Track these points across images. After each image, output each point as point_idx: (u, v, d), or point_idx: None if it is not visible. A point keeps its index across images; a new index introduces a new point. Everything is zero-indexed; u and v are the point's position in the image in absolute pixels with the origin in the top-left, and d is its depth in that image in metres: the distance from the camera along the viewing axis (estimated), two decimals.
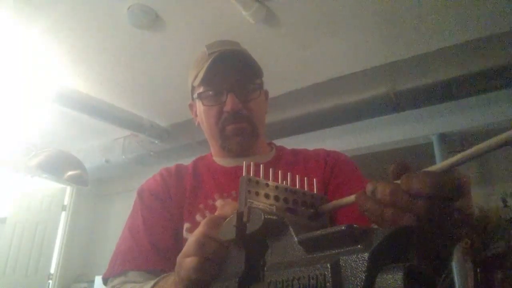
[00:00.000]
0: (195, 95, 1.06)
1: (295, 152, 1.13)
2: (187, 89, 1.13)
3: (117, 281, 0.92)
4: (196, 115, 1.13)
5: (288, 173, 0.57)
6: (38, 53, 2.73)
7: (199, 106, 1.06)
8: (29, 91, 2.99)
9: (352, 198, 0.52)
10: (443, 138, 2.94)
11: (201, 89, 1.03)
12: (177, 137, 3.66)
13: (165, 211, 0.99)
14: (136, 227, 0.98)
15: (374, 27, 2.46)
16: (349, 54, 2.73)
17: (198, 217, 0.97)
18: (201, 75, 1.00)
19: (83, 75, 3.02)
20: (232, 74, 1.01)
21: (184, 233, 0.96)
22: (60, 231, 4.55)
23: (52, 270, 4.39)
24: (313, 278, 0.38)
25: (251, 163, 0.56)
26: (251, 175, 0.55)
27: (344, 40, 2.59)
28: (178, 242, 0.95)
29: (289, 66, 2.85)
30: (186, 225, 0.97)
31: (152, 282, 0.76)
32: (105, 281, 0.96)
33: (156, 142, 3.71)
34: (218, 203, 0.98)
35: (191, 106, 1.15)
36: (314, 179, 0.59)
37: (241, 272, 0.50)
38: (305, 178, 0.58)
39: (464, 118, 2.88)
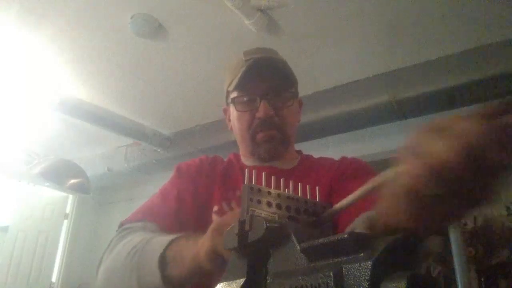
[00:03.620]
0: (229, 100, 1.08)
1: (318, 160, 1.14)
2: (221, 94, 1.15)
3: (136, 224, 0.94)
4: (229, 120, 1.14)
5: (291, 181, 0.57)
6: (41, 61, 2.75)
7: (233, 111, 1.07)
8: (31, 99, 3.00)
9: (359, 192, 0.52)
10: None
11: (235, 94, 1.04)
12: (179, 145, 3.66)
13: (195, 191, 1.02)
14: (167, 193, 1.02)
15: (376, 35, 2.47)
16: (351, 62, 2.73)
17: (224, 205, 1.00)
18: (236, 80, 1.01)
19: (86, 83, 3.03)
20: (266, 81, 1.02)
21: (213, 215, 0.98)
22: (62, 240, 4.54)
23: (53, 279, 4.37)
24: (315, 287, 0.38)
25: (253, 170, 0.56)
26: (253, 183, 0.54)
27: (346, 48, 2.60)
28: (199, 220, 0.98)
29: None
30: (215, 208, 1.00)
31: (172, 237, 0.75)
32: (121, 226, 0.97)
33: (159, 150, 3.71)
34: None
35: (225, 111, 1.16)
36: (317, 187, 0.59)
37: (243, 281, 0.50)
38: (307, 186, 0.58)
39: None
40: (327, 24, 2.39)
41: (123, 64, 2.80)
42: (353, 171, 1.01)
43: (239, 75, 1.00)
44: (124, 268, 0.81)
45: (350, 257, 0.38)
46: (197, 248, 0.67)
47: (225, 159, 1.16)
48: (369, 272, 0.35)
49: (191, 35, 2.48)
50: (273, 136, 1.02)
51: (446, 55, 2.54)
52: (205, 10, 2.27)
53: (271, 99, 1.01)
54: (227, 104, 1.12)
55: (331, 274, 0.37)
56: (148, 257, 0.76)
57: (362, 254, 0.37)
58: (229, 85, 1.06)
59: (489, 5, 2.18)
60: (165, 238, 0.76)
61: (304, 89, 3.00)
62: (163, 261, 0.73)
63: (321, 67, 2.80)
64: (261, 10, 2.25)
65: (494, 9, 2.20)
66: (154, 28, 2.40)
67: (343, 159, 1.10)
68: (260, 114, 1.00)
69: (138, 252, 0.79)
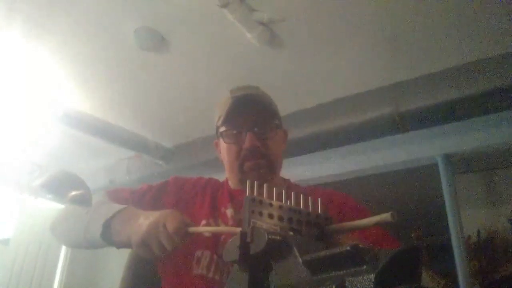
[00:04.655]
0: (219, 134, 1.20)
1: (307, 188, 1.24)
2: (211, 124, 1.26)
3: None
4: (220, 152, 1.25)
5: (292, 193, 0.57)
6: (43, 74, 2.77)
7: (222, 144, 1.19)
8: (34, 111, 3.02)
9: (361, 222, 0.53)
10: (448, 158, 2.92)
11: (223, 129, 1.16)
12: (181, 158, 3.66)
13: (176, 202, 1.17)
14: (148, 189, 1.22)
15: (378, 48, 2.48)
16: (353, 75, 2.74)
17: (210, 221, 1.14)
18: (223, 116, 1.14)
19: (88, 95, 3.04)
20: (251, 115, 1.13)
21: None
22: (63, 252, 4.52)
23: None
24: None
25: (255, 182, 0.56)
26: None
27: (348, 61, 2.61)
28: None
29: (293, 87, 2.87)
30: (203, 222, 1.13)
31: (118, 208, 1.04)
32: None
33: (161, 163, 3.71)
34: (228, 211, 1.14)
35: (216, 144, 1.27)
36: (319, 199, 0.59)
37: None
38: (309, 198, 0.58)
39: (469, 139, 2.87)
40: (329, 37, 2.40)
41: (126, 76, 2.81)
42: (350, 209, 1.12)
43: (225, 111, 1.12)
44: (76, 220, 1.15)
45: (353, 270, 0.38)
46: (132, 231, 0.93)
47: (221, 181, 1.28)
48: (372, 285, 0.35)
49: (193, 48, 2.50)
50: (260, 164, 1.13)
51: (449, 67, 2.54)
52: (207, 24, 2.29)
53: (256, 131, 1.12)
54: (217, 138, 1.23)
55: (334, 287, 0.37)
56: (96, 220, 1.03)
57: (365, 267, 0.37)
58: (218, 120, 1.18)
59: (491, 18, 2.19)
60: (113, 208, 1.04)
61: (305, 102, 3.03)
62: (106, 226, 0.99)
63: (323, 80, 2.80)
64: (263, 23, 2.26)
65: (496, 22, 2.21)
66: (157, 42, 2.42)
67: (335, 193, 1.20)
68: (246, 145, 1.11)
69: (89, 212, 1.10)
